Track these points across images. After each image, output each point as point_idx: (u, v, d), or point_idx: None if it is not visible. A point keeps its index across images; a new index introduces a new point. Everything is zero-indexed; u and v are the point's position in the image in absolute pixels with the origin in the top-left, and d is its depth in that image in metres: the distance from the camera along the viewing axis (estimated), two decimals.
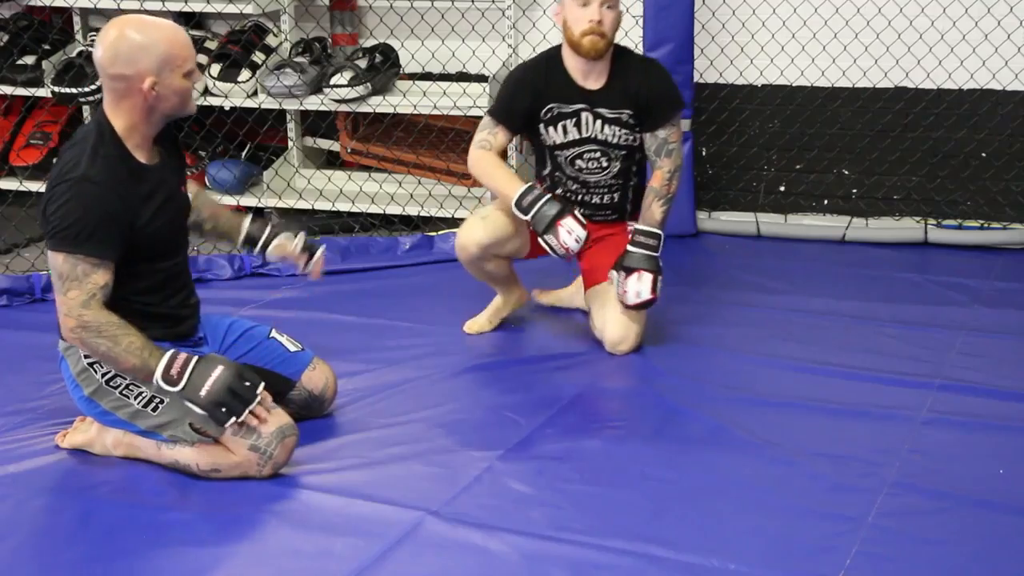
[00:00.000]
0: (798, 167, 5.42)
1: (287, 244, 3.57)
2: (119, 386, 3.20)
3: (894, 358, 3.92)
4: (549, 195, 3.87)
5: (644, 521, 3.00)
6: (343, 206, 5.38)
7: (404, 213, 5.32)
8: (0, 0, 5.70)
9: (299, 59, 5.34)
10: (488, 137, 3.96)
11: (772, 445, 3.36)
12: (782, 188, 5.45)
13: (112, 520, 3.01)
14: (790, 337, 4.09)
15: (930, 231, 5.11)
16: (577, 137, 3.94)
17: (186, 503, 3.10)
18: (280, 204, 5.45)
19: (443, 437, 3.45)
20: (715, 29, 5.30)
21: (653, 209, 3.94)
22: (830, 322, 4.23)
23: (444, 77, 5.48)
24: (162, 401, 3.18)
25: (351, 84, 5.22)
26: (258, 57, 5.41)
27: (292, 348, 3.50)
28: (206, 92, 5.36)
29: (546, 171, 4.07)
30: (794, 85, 5.31)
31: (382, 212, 5.33)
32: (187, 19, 5.68)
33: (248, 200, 5.47)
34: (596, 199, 4.05)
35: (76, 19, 5.70)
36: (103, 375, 3.21)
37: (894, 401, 3.60)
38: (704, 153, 5.44)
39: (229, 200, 5.45)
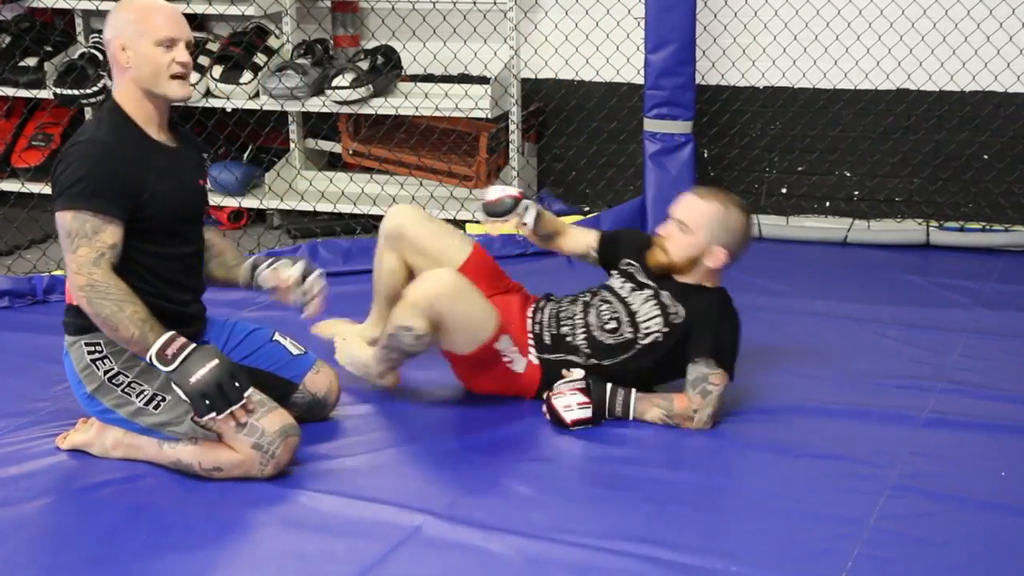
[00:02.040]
0: (800, 169, 5.42)
1: (282, 271, 3.45)
2: (121, 384, 3.20)
3: (896, 360, 3.92)
4: None
5: (645, 523, 2.99)
6: (345, 208, 5.38)
7: None
8: (3, 2, 5.70)
9: (301, 61, 5.34)
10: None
11: (774, 447, 3.36)
12: (784, 190, 5.45)
13: (113, 521, 3.01)
14: (791, 339, 4.08)
15: (932, 233, 5.11)
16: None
17: (187, 505, 3.09)
18: (282, 206, 5.45)
19: (444, 438, 3.45)
20: (717, 31, 5.30)
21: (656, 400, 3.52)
22: (832, 324, 4.23)
23: (446, 79, 5.48)
24: (164, 399, 3.18)
25: (353, 86, 5.22)
26: (260, 59, 5.41)
27: (295, 351, 3.49)
28: (208, 94, 5.36)
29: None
30: (796, 87, 5.31)
31: (384, 214, 5.32)
32: (189, 21, 5.66)
33: (250, 202, 5.47)
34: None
35: (78, 21, 5.70)
36: (105, 372, 3.20)
37: (896, 403, 3.60)
38: (706, 155, 5.44)
39: (231, 202, 5.45)
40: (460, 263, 3.64)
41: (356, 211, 5.37)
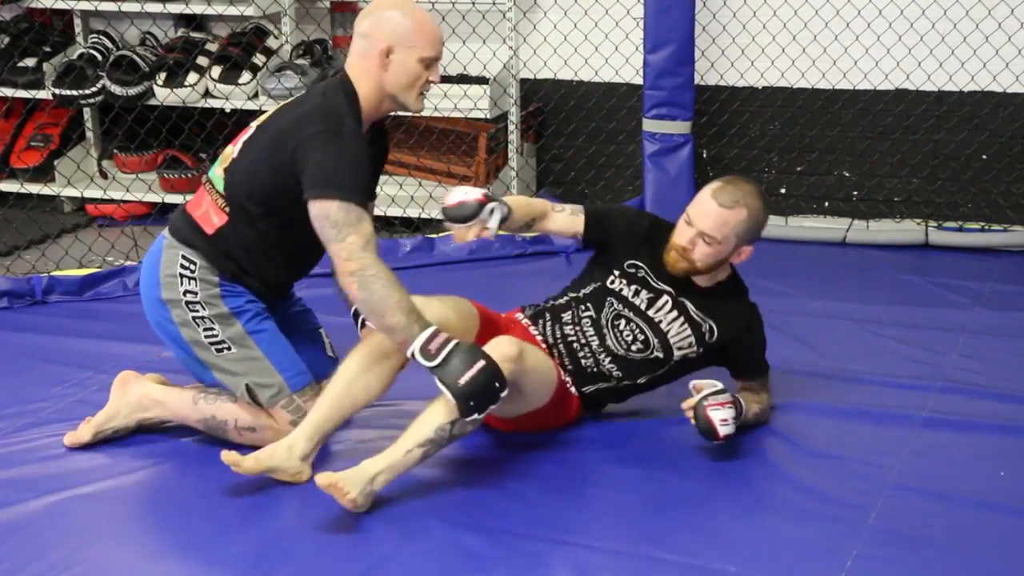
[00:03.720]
0: (799, 169, 5.42)
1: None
2: (196, 312, 3.25)
3: (895, 360, 3.92)
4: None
5: (644, 523, 3.00)
6: None
7: (405, 215, 5.32)
8: (2, 2, 5.70)
9: (300, 61, 5.34)
10: None
11: (773, 447, 3.36)
12: (783, 190, 5.45)
13: (113, 522, 3.01)
14: (791, 339, 4.08)
15: (931, 233, 5.11)
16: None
17: (187, 506, 3.10)
18: None
19: None
20: (716, 31, 5.30)
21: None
22: (831, 324, 4.23)
23: (445, 79, 5.47)
24: (229, 348, 3.24)
25: None
26: (259, 59, 5.41)
27: (330, 353, 3.54)
28: (207, 94, 5.36)
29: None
30: (795, 87, 5.31)
31: (383, 214, 5.32)
32: (188, 21, 5.68)
33: None
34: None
35: (77, 21, 5.69)
36: (185, 292, 3.25)
37: (895, 403, 3.60)
38: (705, 155, 5.44)
39: None
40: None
41: None
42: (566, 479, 3.20)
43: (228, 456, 3.06)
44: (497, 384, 3.00)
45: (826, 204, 5.41)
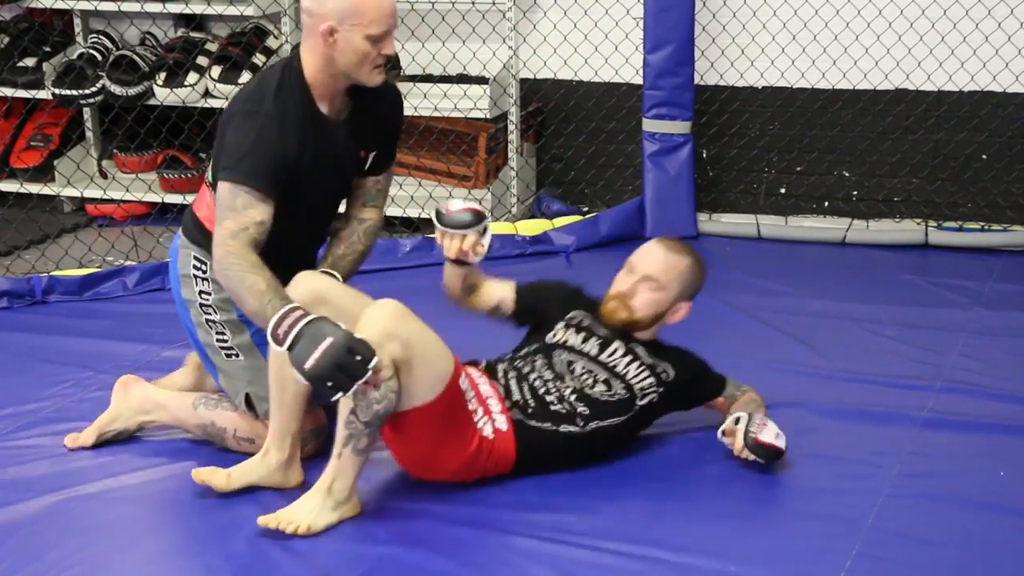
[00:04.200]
0: (798, 169, 5.42)
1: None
2: (208, 315, 3.25)
3: (894, 360, 3.92)
4: None
5: (644, 523, 3.00)
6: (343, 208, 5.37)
7: (405, 215, 5.32)
8: (2, 2, 5.70)
9: None
10: None
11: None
12: (783, 190, 5.45)
13: (114, 523, 3.01)
14: (790, 339, 4.08)
15: (931, 233, 5.11)
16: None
17: (187, 506, 3.10)
18: None
19: None
20: (716, 31, 5.30)
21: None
22: (830, 324, 4.23)
23: (445, 79, 5.47)
24: (237, 355, 3.22)
25: None
26: (259, 59, 5.41)
27: None
28: (207, 94, 5.36)
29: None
30: (795, 87, 5.31)
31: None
32: (188, 21, 5.68)
33: None
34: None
35: (77, 21, 5.69)
36: (200, 293, 3.25)
37: (895, 402, 3.60)
38: (705, 155, 5.44)
39: None
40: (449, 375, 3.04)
41: None
42: (566, 479, 3.20)
43: (199, 475, 3.03)
44: (357, 357, 2.76)
45: (826, 204, 5.41)
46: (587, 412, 3.19)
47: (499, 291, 3.43)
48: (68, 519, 3.04)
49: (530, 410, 3.16)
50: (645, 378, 3.27)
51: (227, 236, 2.98)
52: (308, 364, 2.77)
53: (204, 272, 3.23)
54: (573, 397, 3.20)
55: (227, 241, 2.98)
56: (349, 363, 2.77)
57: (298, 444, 3.14)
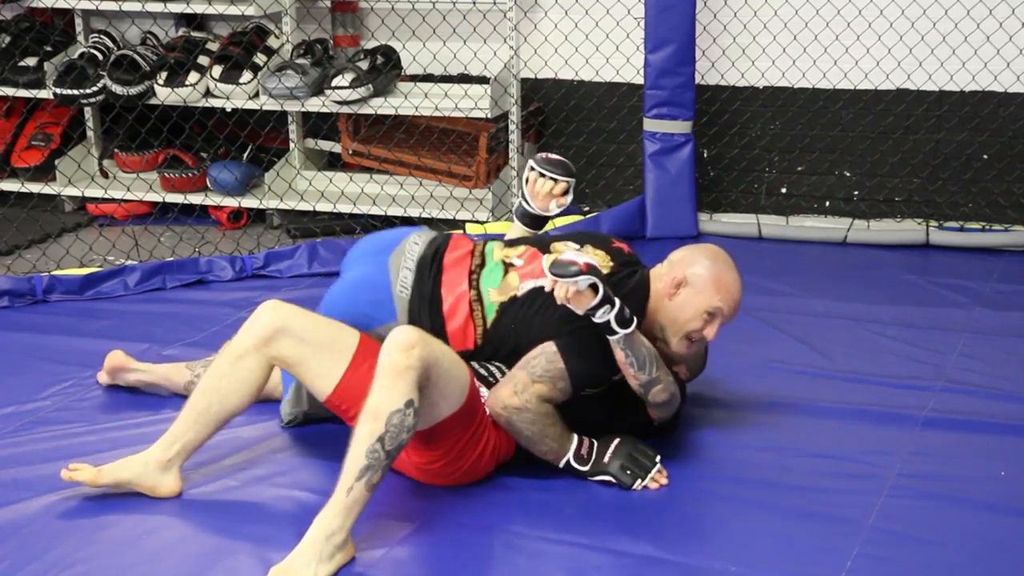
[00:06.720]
0: (799, 169, 5.42)
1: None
2: None
3: (896, 359, 3.92)
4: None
5: (645, 522, 3.00)
6: (344, 208, 5.38)
7: (406, 215, 5.32)
8: (2, 1, 5.70)
9: (300, 61, 5.34)
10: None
11: (773, 446, 3.36)
12: (783, 190, 5.45)
13: (113, 523, 3.01)
14: (791, 338, 4.08)
15: (932, 233, 5.11)
16: None
17: (187, 506, 3.10)
18: (281, 206, 5.45)
19: None
20: (717, 31, 5.30)
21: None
22: (831, 324, 4.23)
23: (446, 79, 5.48)
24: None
25: (352, 86, 5.22)
26: (260, 59, 5.41)
27: None
28: (208, 94, 5.36)
29: None
30: (796, 87, 5.31)
31: (384, 214, 5.32)
32: (189, 20, 5.68)
33: (249, 202, 5.47)
34: None
35: (78, 21, 5.69)
36: None
37: (895, 402, 3.60)
38: (706, 155, 5.44)
39: (231, 202, 5.45)
40: (355, 345, 3.09)
41: (356, 211, 5.36)
42: (566, 479, 3.20)
43: (67, 474, 3.05)
44: (641, 447, 3.19)
45: (827, 204, 5.41)
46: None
47: None
48: (68, 519, 3.04)
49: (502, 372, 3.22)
50: None
51: (536, 396, 3.10)
52: (605, 459, 3.18)
53: None
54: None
55: (536, 403, 3.10)
56: (640, 454, 3.19)
57: (184, 456, 3.11)
